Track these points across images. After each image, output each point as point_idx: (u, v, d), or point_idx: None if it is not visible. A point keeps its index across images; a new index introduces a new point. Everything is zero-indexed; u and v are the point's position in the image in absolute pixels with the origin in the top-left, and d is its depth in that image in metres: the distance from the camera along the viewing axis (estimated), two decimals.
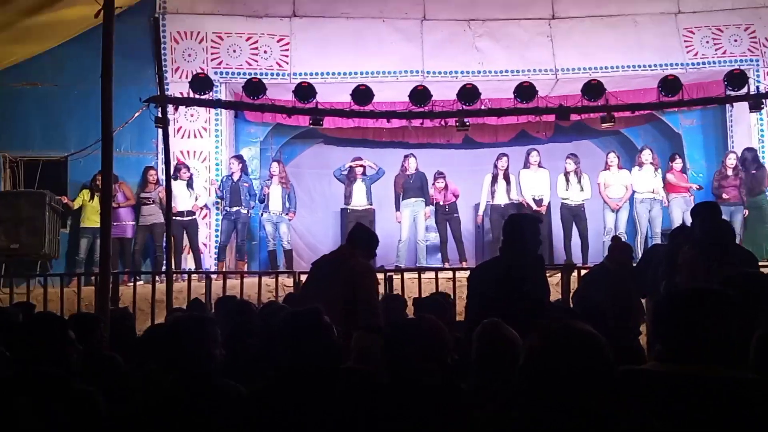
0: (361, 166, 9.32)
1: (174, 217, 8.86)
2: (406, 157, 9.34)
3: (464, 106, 7.37)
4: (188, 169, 9.07)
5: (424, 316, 2.54)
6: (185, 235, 9.01)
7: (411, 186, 9.17)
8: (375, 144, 11.26)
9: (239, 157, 9.41)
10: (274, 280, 7.41)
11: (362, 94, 7.29)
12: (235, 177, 9.19)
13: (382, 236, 10.28)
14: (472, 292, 3.95)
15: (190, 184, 9.02)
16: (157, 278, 7.47)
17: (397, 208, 9.24)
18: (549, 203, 9.31)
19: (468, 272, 7.20)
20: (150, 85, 8.96)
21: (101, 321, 3.67)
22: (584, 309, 4.01)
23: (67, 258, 8.93)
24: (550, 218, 9.46)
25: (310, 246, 11.46)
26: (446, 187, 9.38)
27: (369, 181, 9.29)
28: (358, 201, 9.19)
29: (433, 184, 9.40)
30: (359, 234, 4.49)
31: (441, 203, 9.33)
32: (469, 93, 7.30)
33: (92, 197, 8.66)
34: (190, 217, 9.03)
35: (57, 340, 2.73)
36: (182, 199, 8.91)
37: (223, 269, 8.89)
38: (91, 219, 8.47)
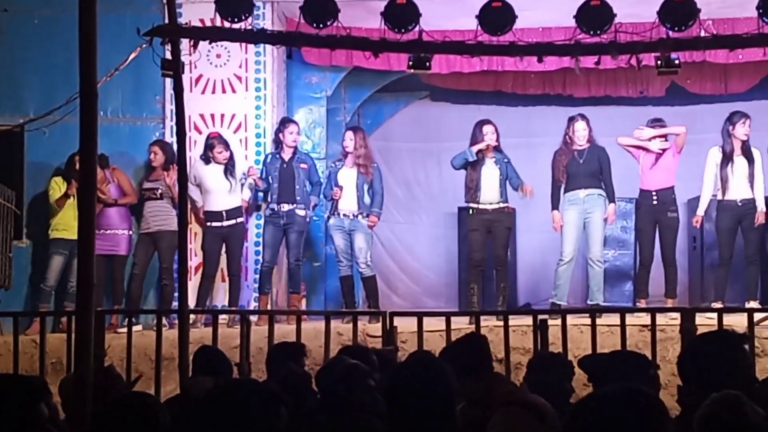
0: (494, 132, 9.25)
1: (209, 222, 9.23)
2: (572, 120, 9.21)
3: (670, 32, 7.19)
4: (226, 145, 9.30)
5: (629, 389, 2.57)
6: (224, 251, 9.25)
7: (581, 169, 9.05)
8: (516, 100, 11.19)
9: (293, 122, 9.57)
10: (350, 324, 7.48)
11: (496, 15, 7.21)
12: (287, 155, 9.35)
13: (530, 253, 10.45)
14: None
15: (229, 170, 9.25)
16: (164, 321, 7.64)
17: (555, 206, 9.14)
18: None
19: (678, 316, 7.19)
20: (153, 8, 9.16)
21: (46, 391, 3.82)
22: None
23: (30, 287, 9.32)
24: None
25: (409, 270, 11.53)
26: (658, 156, 9.08)
27: (506, 164, 9.22)
28: (489, 195, 9.17)
29: (640, 146, 9.09)
30: None
31: (646, 189, 9.13)
32: (679, 10, 7.11)
33: (70, 191, 8.87)
34: (233, 221, 9.24)
35: None
36: (219, 193, 9.18)
37: (268, 306, 9.04)
38: (69, 225, 8.72)
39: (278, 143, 9.39)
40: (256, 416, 2.94)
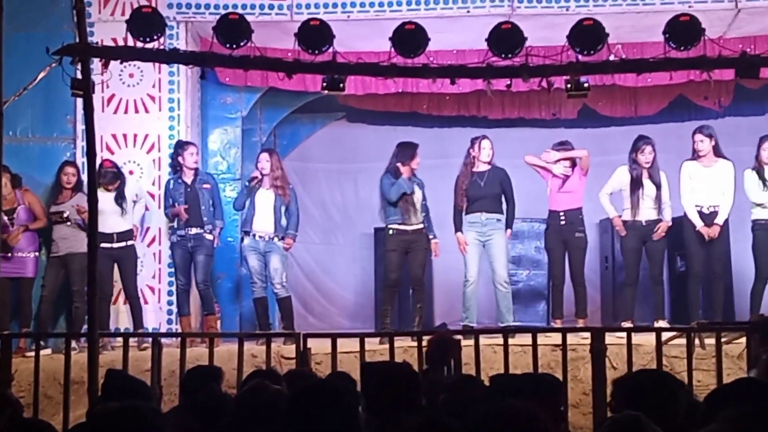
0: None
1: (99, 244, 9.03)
2: (474, 141, 9.29)
3: (580, 56, 7.32)
4: (117, 172, 9.23)
5: (519, 407, 2.54)
6: (116, 272, 9.16)
7: (482, 192, 9.12)
8: (432, 121, 11.28)
9: (191, 144, 9.48)
10: (264, 346, 7.44)
11: (410, 37, 7.25)
12: (188, 177, 9.30)
13: (445, 274, 10.53)
14: None
15: (119, 199, 9.17)
16: (74, 344, 7.51)
17: (458, 229, 9.21)
18: (727, 221, 9.16)
19: (589, 335, 7.29)
20: (64, 27, 9.06)
21: None
22: None
23: None
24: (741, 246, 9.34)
25: (325, 291, 11.52)
26: (565, 179, 9.21)
27: (423, 186, 9.26)
28: (413, 218, 9.14)
29: (545, 167, 9.25)
30: None
31: (554, 210, 9.24)
32: (588, 34, 7.23)
33: None
34: (123, 243, 9.18)
35: None
36: (110, 215, 9.05)
37: (185, 329, 8.99)
38: None
39: (177, 167, 9.33)
40: None
